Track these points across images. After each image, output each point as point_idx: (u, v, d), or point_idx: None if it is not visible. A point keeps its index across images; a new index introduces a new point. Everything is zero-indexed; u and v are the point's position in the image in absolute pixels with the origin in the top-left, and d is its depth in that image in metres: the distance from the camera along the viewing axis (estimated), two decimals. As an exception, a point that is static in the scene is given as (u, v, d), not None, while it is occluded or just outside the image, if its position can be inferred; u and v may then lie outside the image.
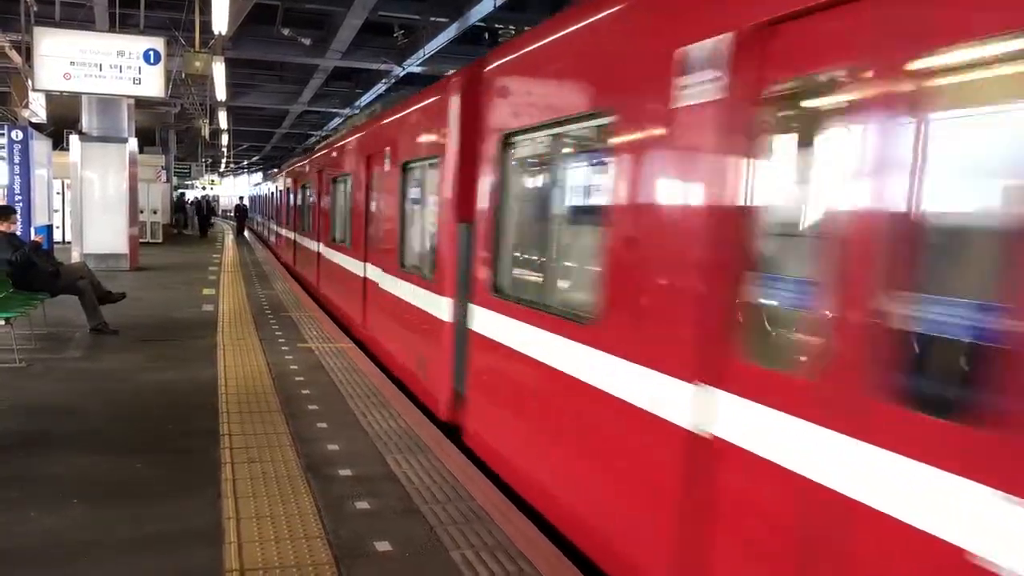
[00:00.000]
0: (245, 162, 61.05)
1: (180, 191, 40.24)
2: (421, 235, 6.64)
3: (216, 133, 30.40)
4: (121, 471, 4.32)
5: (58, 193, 20.07)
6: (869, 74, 2.10)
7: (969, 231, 2.25)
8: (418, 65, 17.84)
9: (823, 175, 2.52)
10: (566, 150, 4.30)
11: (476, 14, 14.89)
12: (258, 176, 55.78)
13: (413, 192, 6.83)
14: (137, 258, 15.61)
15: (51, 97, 16.75)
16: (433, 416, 5.66)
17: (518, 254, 4.77)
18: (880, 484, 1.97)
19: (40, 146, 15.63)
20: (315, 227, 12.95)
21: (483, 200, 4.83)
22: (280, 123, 33.80)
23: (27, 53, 13.38)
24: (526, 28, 12.12)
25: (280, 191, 20.75)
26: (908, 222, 2.02)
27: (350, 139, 10.22)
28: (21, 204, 14.04)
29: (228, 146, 39.28)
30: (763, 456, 2.35)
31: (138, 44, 13.59)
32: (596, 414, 3.40)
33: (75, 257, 13.95)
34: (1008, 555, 1.68)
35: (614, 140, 3.38)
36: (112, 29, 14.32)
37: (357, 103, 25.45)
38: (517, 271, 4.74)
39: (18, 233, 8.58)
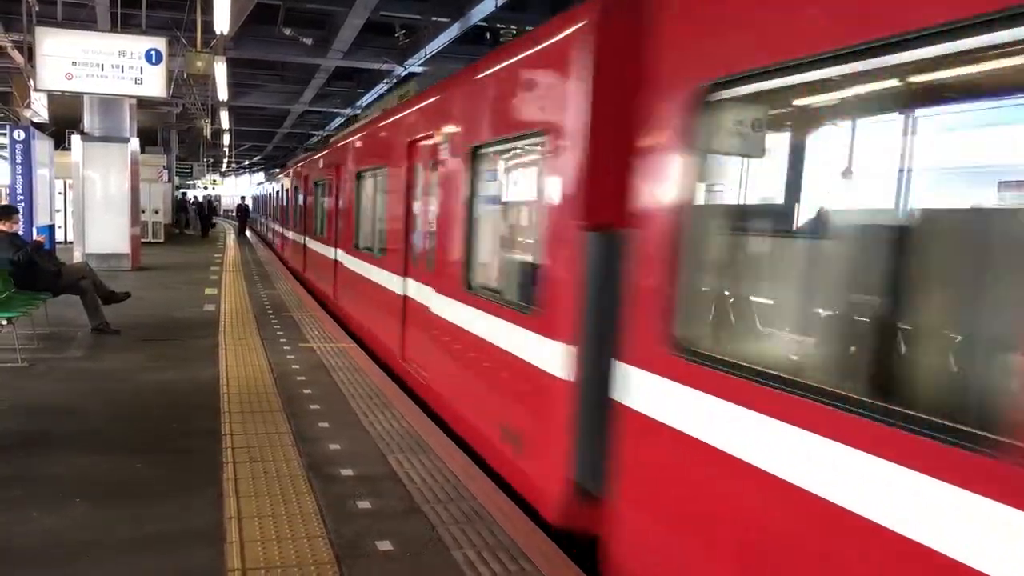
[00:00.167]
0: (247, 162, 61.10)
1: (182, 191, 40.27)
2: (504, 246, 4.90)
3: (218, 133, 30.41)
4: (122, 471, 4.31)
5: (60, 193, 20.06)
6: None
7: None
8: (419, 65, 17.84)
9: None
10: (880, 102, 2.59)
11: (478, 14, 14.90)
12: (260, 176, 55.80)
13: (488, 187, 5.00)
14: (139, 258, 15.61)
15: (53, 97, 16.74)
16: (514, 491, 4.19)
17: (745, 291, 3.09)
18: None
19: (42, 146, 15.61)
20: (331, 231, 11.06)
21: (651, 196, 3.08)
22: (281, 123, 33.85)
23: (29, 53, 13.38)
24: (528, 28, 12.12)
25: (288, 190, 18.30)
26: None
27: (384, 124, 8.14)
28: (23, 204, 14.03)
29: (230, 146, 39.33)
30: None
31: (140, 44, 13.60)
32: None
33: (77, 257, 13.96)
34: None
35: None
36: (114, 29, 14.33)
37: (358, 103, 25.47)
38: (747, 320, 3.06)
39: (20, 233, 8.57)
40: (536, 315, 3.88)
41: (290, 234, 17.51)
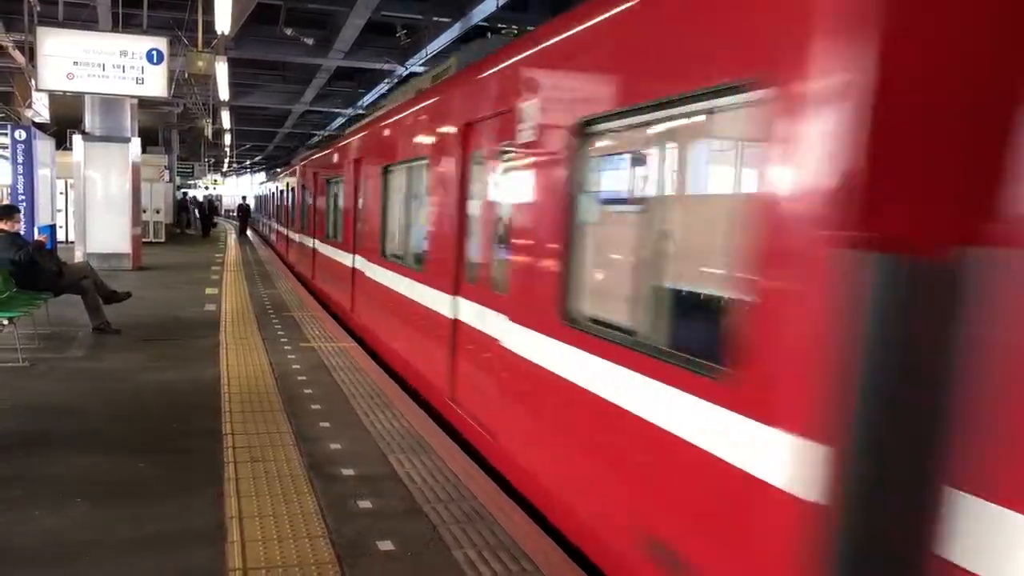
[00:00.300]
0: (248, 162, 61.14)
1: (183, 191, 40.31)
2: (647, 265, 3.24)
3: (219, 133, 30.44)
4: (122, 471, 4.31)
5: (61, 193, 20.08)
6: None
7: None
8: (420, 65, 17.85)
9: None
10: None
11: (479, 14, 14.91)
12: (261, 176, 55.82)
13: (609, 178, 3.73)
14: (140, 258, 15.62)
15: (54, 97, 16.77)
16: None
17: None
18: None
19: (43, 146, 15.62)
20: (348, 235, 9.62)
21: None
22: (283, 123, 33.88)
23: (30, 53, 13.39)
24: (529, 28, 12.12)
25: (295, 188, 16.73)
26: None
27: (422, 107, 6.59)
28: (24, 204, 14.03)
29: (231, 146, 39.36)
30: None
31: (141, 44, 13.60)
32: None
33: (78, 257, 13.96)
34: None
35: None
36: (115, 29, 14.34)
37: (360, 103, 25.49)
38: None
39: (21, 232, 8.58)
40: (729, 381, 2.42)
41: (296, 236, 16.18)
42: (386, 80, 20.95)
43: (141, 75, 13.59)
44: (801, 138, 2.13)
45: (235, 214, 40.71)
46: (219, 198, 56.52)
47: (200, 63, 13.59)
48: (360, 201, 9.07)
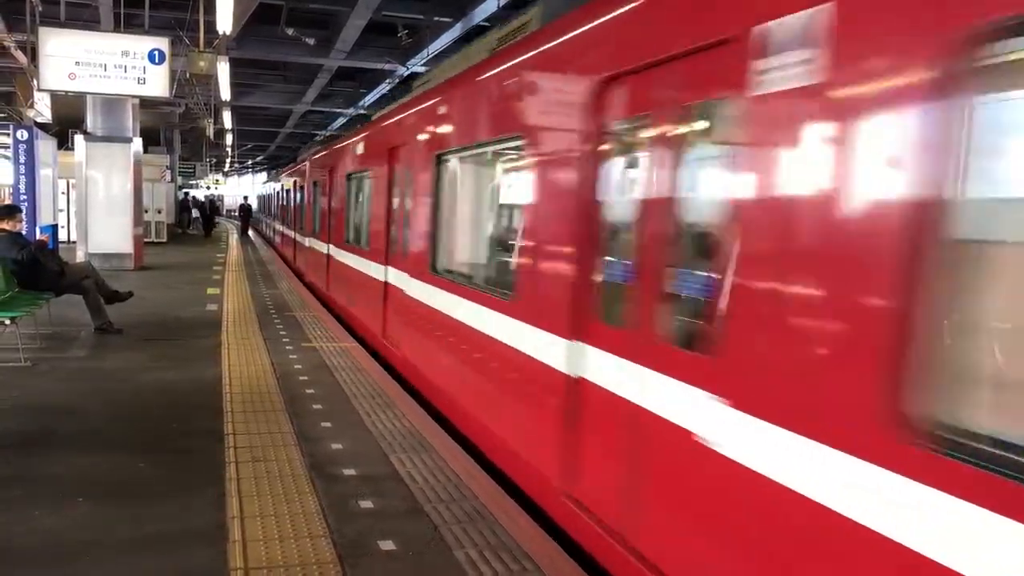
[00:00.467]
0: (249, 162, 61.19)
1: (184, 191, 40.33)
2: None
3: (220, 133, 30.45)
4: (123, 471, 4.30)
5: (63, 193, 20.10)
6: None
7: None
8: (422, 65, 17.86)
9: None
10: None
11: (480, 14, 14.92)
12: (263, 176, 55.84)
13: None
14: (141, 257, 15.62)
15: (56, 97, 16.78)
16: None
17: None
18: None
19: (45, 146, 15.64)
20: (378, 243, 8.11)
21: None
22: (284, 123, 33.92)
23: (32, 53, 13.40)
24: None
25: (304, 187, 15.37)
26: None
27: (495, 74, 4.85)
28: (26, 204, 14.05)
29: (232, 146, 39.42)
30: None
31: (143, 44, 13.60)
32: None
33: (80, 256, 13.97)
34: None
35: None
36: (117, 29, 14.34)
37: (361, 103, 25.49)
38: None
39: (23, 232, 8.58)
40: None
41: (307, 241, 14.64)
42: (387, 80, 20.95)
43: (143, 75, 13.59)
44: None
45: (237, 214, 40.75)
46: (220, 198, 56.57)
47: (202, 63, 13.59)
48: (395, 203, 7.58)
